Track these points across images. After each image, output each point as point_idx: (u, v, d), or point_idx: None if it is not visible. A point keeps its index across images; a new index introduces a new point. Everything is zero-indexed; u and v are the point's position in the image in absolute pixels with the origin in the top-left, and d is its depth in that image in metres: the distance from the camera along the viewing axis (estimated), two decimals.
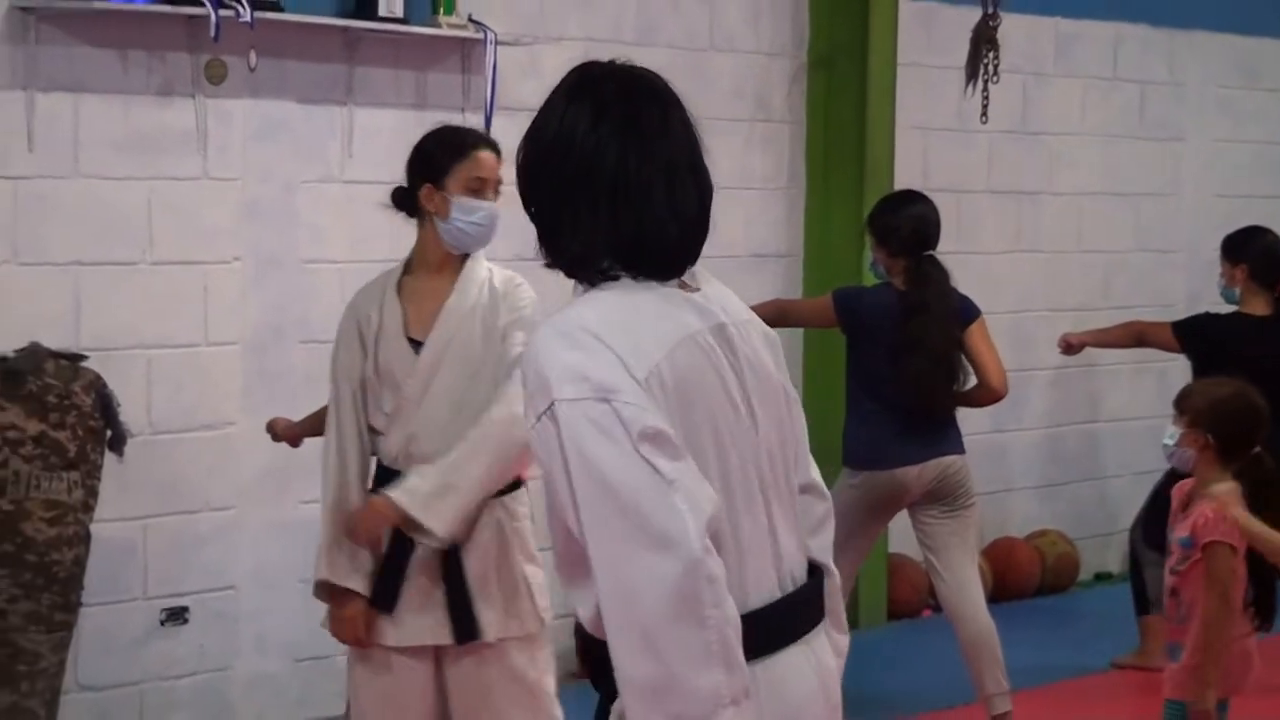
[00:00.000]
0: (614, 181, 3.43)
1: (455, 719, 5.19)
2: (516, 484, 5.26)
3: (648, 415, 3.23)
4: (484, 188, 5.46)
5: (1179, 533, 5.99)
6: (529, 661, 5.15)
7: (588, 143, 3.46)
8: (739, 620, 3.25)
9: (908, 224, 7.66)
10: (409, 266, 5.54)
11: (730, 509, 3.39)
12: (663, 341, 3.36)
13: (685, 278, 3.50)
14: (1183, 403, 6.10)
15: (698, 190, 3.50)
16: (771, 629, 3.44)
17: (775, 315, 8.28)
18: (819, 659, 3.54)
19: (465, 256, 5.49)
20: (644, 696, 3.24)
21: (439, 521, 5.02)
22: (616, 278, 3.42)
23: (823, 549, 3.67)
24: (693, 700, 3.19)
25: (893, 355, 7.54)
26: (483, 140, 5.64)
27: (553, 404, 3.25)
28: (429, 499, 5.03)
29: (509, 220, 5.06)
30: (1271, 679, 5.82)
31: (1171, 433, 6.03)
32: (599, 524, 3.24)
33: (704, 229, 3.52)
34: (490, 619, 5.02)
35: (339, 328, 5.51)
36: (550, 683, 5.28)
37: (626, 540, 3.22)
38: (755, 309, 8.02)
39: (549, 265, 3.48)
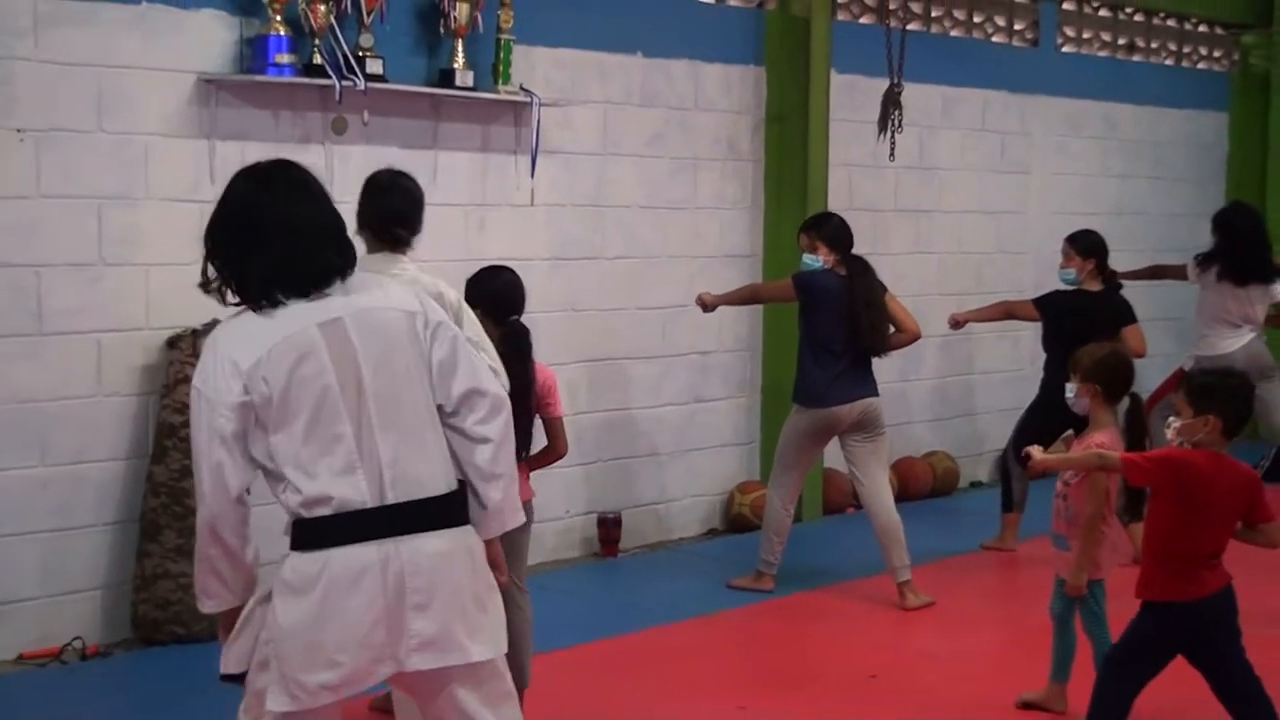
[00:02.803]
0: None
1: None
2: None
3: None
4: None
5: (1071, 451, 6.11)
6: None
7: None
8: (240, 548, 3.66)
9: (842, 229, 7.79)
10: None
11: (313, 441, 3.57)
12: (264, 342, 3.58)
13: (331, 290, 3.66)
14: (1076, 365, 6.10)
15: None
16: (345, 530, 3.59)
17: (750, 296, 8.52)
18: (392, 554, 3.59)
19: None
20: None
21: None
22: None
23: (481, 424, 3.76)
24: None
25: (846, 317, 7.63)
26: None
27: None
28: None
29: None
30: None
31: (1071, 388, 6.08)
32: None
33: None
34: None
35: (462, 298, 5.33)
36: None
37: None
38: (736, 292, 8.23)
39: None
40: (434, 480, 3.67)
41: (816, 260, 7.73)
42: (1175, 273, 10.24)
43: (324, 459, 3.59)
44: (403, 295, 3.80)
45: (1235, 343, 9.72)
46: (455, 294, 5.31)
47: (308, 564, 3.59)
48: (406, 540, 3.60)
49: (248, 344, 3.60)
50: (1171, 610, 5.28)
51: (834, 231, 7.78)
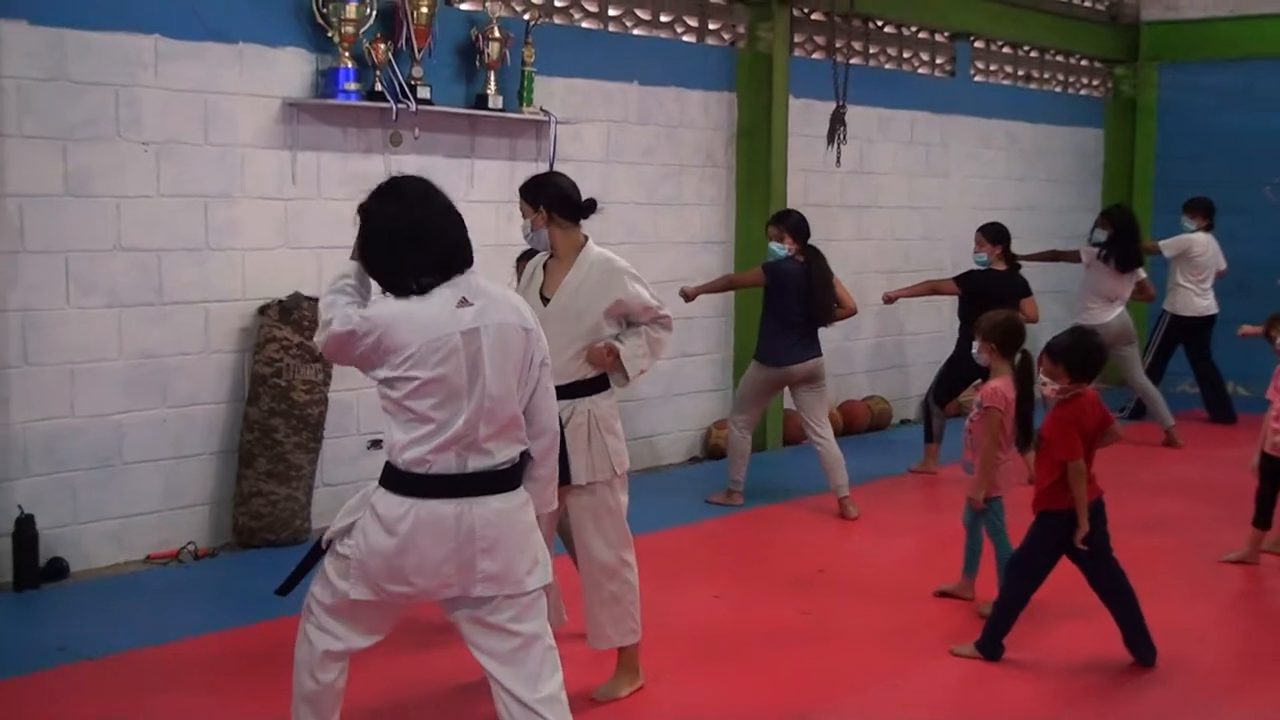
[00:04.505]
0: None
1: (571, 526, 4.96)
2: (605, 384, 4.88)
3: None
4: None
5: (977, 397, 6.09)
6: (609, 494, 4.84)
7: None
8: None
9: (803, 223, 7.76)
10: (552, 253, 4.94)
11: (432, 420, 3.50)
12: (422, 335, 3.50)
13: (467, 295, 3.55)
14: (978, 328, 6.11)
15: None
16: (433, 487, 3.53)
17: (725, 285, 8.51)
18: (465, 511, 3.54)
19: (583, 245, 4.92)
20: None
21: (632, 371, 4.83)
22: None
23: (539, 450, 3.74)
24: None
25: (804, 295, 7.64)
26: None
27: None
28: (629, 357, 4.80)
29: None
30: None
31: (975, 345, 6.10)
32: None
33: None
34: (580, 470, 4.74)
35: (527, 271, 5.10)
36: (622, 508, 4.88)
37: None
38: (714, 283, 8.25)
39: None
40: (505, 457, 3.62)
41: (782, 248, 7.70)
42: (1069, 257, 10.31)
43: (437, 436, 3.53)
44: (524, 312, 3.70)
45: (1110, 314, 9.83)
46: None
47: (397, 506, 3.55)
48: (478, 501, 3.56)
49: (411, 328, 3.51)
50: (1059, 517, 5.28)
51: (796, 224, 7.75)
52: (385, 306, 3.57)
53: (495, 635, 3.66)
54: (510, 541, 3.61)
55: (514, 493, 3.65)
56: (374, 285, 3.71)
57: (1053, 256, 10.43)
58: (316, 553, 3.79)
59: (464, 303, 3.55)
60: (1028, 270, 8.95)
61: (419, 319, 3.51)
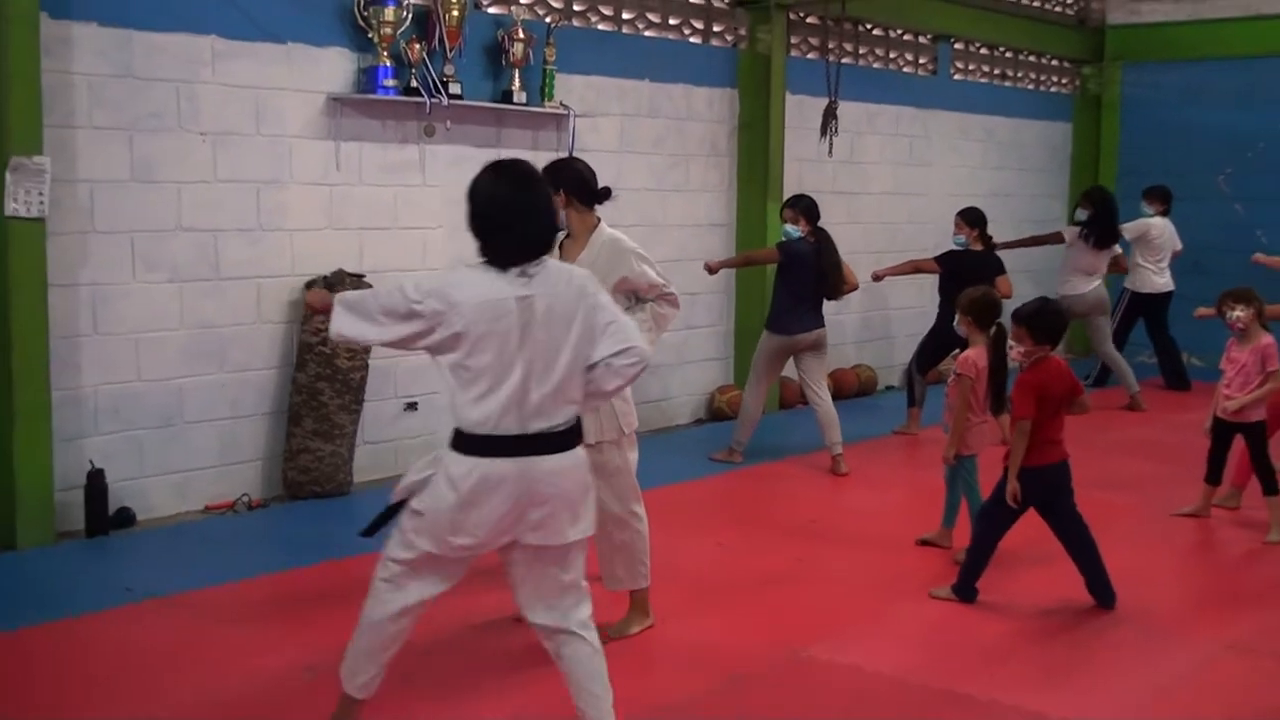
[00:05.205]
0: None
1: None
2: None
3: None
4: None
5: (954, 365, 6.06)
6: (615, 453, 4.80)
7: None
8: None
9: (814, 206, 7.78)
10: (568, 233, 4.90)
11: (488, 380, 3.46)
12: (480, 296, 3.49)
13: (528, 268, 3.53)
14: (959, 303, 6.07)
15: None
16: (495, 448, 3.50)
17: (744, 260, 8.57)
18: (526, 469, 3.50)
19: (596, 226, 4.87)
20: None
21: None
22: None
23: (602, 390, 3.63)
24: None
25: (815, 273, 7.66)
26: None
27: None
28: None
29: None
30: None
31: (956, 319, 6.06)
32: None
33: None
34: (590, 429, 4.60)
35: None
36: (629, 464, 4.84)
37: None
38: (734, 259, 8.32)
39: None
40: (562, 418, 3.59)
41: (796, 230, 7.70)
42: (1050, 239, 10.33)
43: (494, 396, 3.50)
44: (586, 284, 3.64)
45: (1088, 287, 9.90)
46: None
47: (463, 465, 3.53)
48: (537, 460, 3.54)
49: (472, 289, 3.52)
50: (1026, 473, 5.26)
51: (808, 208, 7.77)
52: (447, 275, 3.63)
53: (540, 577, 3.68)
54: (564, 498, 3.59)
55: (571, 452, 3.62)
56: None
57: (1034, 242, 10.40)
58: (399, 505, 3.74)
59: (524, 273, 3.54)
60: (1002, 251, 8.91)
61: (478, 283, 3.54)
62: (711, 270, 8.06)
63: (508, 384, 3.50)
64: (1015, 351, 5.41)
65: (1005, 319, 5.86)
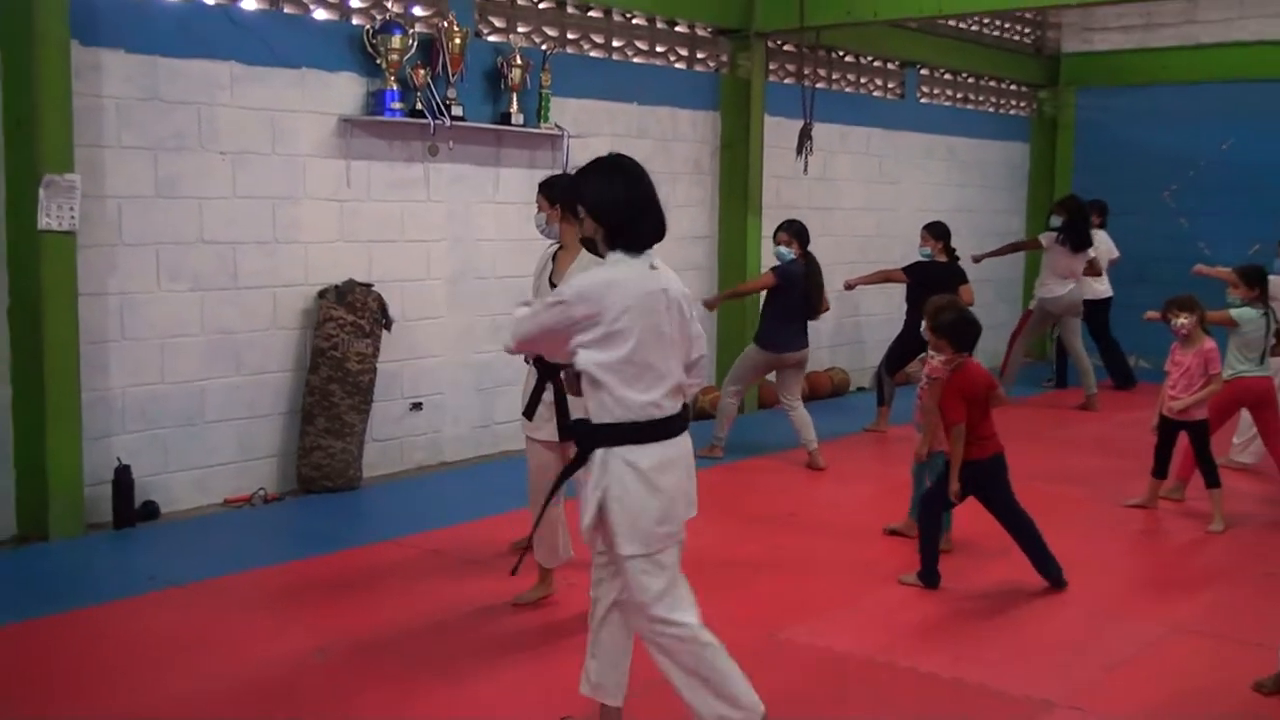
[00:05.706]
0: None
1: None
2: None
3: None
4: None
5: (924, 370, 6.05)
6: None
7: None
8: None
9: (805, 231, 7.76)
10: (561, 244, 4.87)
11: (647, 366, 3.39)
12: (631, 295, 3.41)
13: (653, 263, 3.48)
14: (926, 313, 5.90)
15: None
16: (667, 428, 3.44)
17: (738, 293, 8.57)
18: (683, 448, 3.48)
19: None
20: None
21: None
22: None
23: (692, 383, 3.59)
24: None
25: (804, 294, 7.66)
26: None
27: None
28: None
29: None
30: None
31: (923, 327, 5.91)
32: None
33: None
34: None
35: (539, 260, 5.03)
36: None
37: None
38: (728, 293, 8.68)
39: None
40: (682, 399, 3.56)
41: (789, 252, 7.69)
42: (1030, 245, 10.38)
43: (662, 382, 3.43)
44: (679, 282, 3.61)
45: (1064, 289, 9.95)
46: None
47: (646, 453, 3.42)
48: (685, 436, 3.51)
49: (622, 290, 3.41)
50: (964, 468, 5.30)
51: (799, 232, 7.75)
52: (587, 277, 3.43)
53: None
54: (693, 475, 3.58)
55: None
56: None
57: (1014, 248, 10.49)
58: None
59: (652, 267, 3.50)
60: (965, 262, 8.91)
61: (624, 282, 3.42)
62: (710, 307, 8.10)
63: (667, 371, 3.44)
64: (935, 361, 5.43)
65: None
